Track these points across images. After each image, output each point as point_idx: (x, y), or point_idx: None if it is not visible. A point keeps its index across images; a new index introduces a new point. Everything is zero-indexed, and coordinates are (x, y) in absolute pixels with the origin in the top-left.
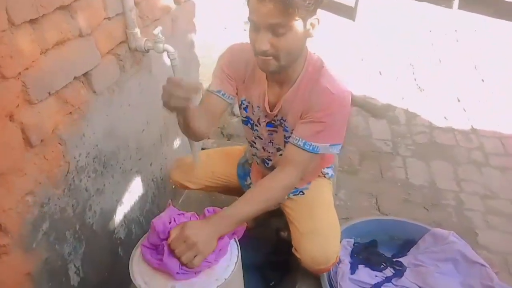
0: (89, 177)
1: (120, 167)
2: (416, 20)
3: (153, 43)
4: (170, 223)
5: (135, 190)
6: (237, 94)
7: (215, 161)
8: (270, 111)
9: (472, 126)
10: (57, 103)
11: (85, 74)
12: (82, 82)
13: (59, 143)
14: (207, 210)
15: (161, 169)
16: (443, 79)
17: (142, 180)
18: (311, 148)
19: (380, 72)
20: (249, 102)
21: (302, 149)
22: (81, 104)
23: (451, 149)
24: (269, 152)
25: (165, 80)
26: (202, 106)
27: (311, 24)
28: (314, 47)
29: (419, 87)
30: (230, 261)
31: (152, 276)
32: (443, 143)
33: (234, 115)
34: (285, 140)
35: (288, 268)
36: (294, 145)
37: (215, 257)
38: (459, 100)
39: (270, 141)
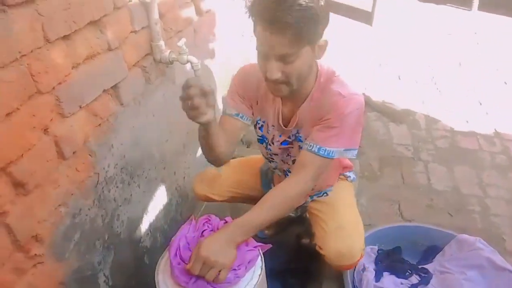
0: (117, 187)
1: (146, 177)
2: (435, 23)
3: (178, 54)
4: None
5: (159, 199)
6: (253, 114)
7: (238, 171)
8: (285, 127)
9: (495, 129)
10: (87, 116)
11: (113, 87)
12: (110, 95)
13: (90, 155)
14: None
15: (184, 177)
16: (463, 83)
17: (167, 189)
18: (325, 153)
19: (399, 76)
20: (264, 122)
21: (316, 154)
22: (110, 116)
23: (474, 153)
24: (288, 164)
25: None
26: (227, 131)
27: (319, 47)
28: (332, 52)
29: (439, 91)
30: (254, 273)
31: (176, 285)
32: (466, 148)
33: (243, 143)
34: (299, 150)
35: (310, 276)
36: (308, 151)
37: (245, 269)
38: (480, 104)
39: (288, 155)
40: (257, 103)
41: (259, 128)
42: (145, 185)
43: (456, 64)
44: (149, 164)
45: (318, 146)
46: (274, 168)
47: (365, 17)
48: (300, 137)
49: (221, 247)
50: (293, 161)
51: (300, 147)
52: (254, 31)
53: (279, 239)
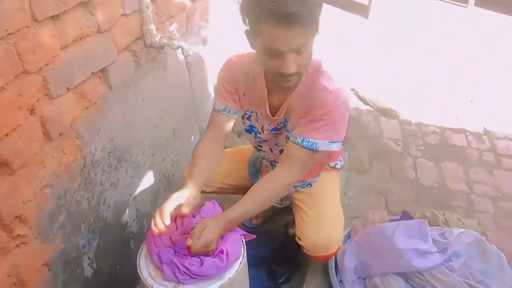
0: (104, 171)
1: (134, 162)
2: (431, 19)
3: (169, 39)
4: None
5: (147, 185)
6: (241, 106)
7: (227, 162)
8: (273, 116)
9: (484, 127)
10: (75, 98)
11: (102, 70)
12: (99, 78)
13: (76, 137)
14: (207, 204)
15: (172, 165)
16: (457, 79)
17: (155, 176)
18: (309, 144)
19: (392, 71)
20: (252, 112)
21: (300, 145)
22: (98, 99)
23: (462, 150)
24: (275, 155)
25: (180, 76)
26: (214, 127)
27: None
28: (327, 45)
29: (432, 87)
30: (236, 261)
31: (158, 271)
32: (455, 144)
33: (234, 132)
34: (287, 140)
35: (297, 265)
36: (294, 142)
37: (228, 262)
38: (472, 101)
39: (276, 144)
40: (244, 95)
41: (247, 118)
42: (133, 170)
43: (450, 60)
44: (137, 150)
45: (302, 138)
46: (263, 158)
47: (361, 10)
48: (288, 128)
49: (220, 234)
50: (280, 151)
51: (287, 137)
52: (255, 32)
53: (267, 228)
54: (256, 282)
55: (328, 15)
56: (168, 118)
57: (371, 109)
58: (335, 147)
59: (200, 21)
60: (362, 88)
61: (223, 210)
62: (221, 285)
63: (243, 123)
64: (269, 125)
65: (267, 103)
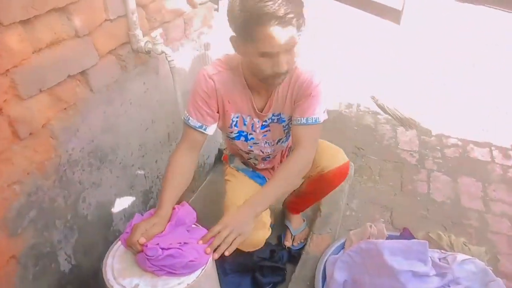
0: (83, 170)
1: (120, 163)
2: (469, 25)
3: (153, 44)
4: None
5: (137, 185)
6: (219, 118)
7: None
8: (261, 113)
9: None
10: (49, 99)
11: (82, 73)
12: (79, 80)
13: (51, 137)
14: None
15: None
16: (488, 91)
17: (146, 177)
18: (312, 120)
19: (417, 79)
20: (238, 117)
21: (306, 125)
22: (77, 101)
23: (484, 165)
24: (267, 152)
25: (174, 81)
26: (188, 142)
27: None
28: (353, 50)
29: (459, 97)
30: (199, 268)
31: (122, 271)
32: (476, 159)
33: None
34: (284, 130)
35: (283, 277)
36: (299, 125)
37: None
38: (504, 113)
39: (266, 142)
40: (229, 102)
41: (234, 125)
42: (119, 171)
43: (482, 70)
44: (124, 151)
45: (305, 118)
46: (254, 160)
47: (393, 15)
48: (284, 119)
49: (246, 218)
50: (277, 142)
51: (283, 127)
52: (246, 36)
53: None
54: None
55: (360, 20)
56: (161, 122)
57: (390, 118)
58: (326, 114)
59: (202, 27)
60: (383, 96)
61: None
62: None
63: (230, 132)
64: (258, 122)
65: (253, 102)
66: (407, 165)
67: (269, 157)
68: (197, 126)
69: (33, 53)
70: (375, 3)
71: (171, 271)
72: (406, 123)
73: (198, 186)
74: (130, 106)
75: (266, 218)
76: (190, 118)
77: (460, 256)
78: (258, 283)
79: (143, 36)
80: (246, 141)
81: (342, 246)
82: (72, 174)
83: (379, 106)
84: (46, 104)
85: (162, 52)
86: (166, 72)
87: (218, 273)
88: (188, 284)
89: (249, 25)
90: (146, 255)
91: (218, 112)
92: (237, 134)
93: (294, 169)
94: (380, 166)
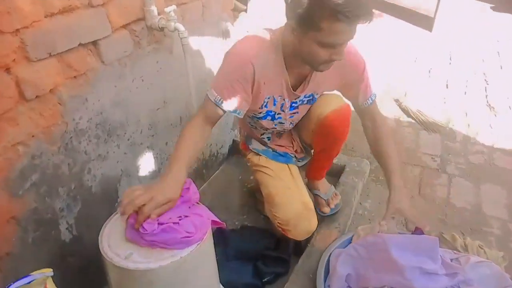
0: (89, 141)
1: (129, 139)
2: (504, 35)
3: (166, 21)
4: None
5: (145, 164)
6: (257, 98)
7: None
8: (294, 93)
9: None
10: (59, 65)
11: (94, 43)
12: (90, 50)
13: (59, 103)
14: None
15: None
16: None
17: (155, 157)
18: (374, 98)
19: (446, 85)
20: (269, 98)
21: (372, 104)
22: (87, 70)
23: (511, 174)
24: (285, 128)
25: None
26: (209, 118)
27: None
28: (385, 55)
29: (489, 104)
30: (195, 242)
31: (118, 241)
32: (503, 167)
33: None
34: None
35: (286, 268)
36: (368, 106)
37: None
38: None
39: (291, 123)
40: (264, 83)
41: (264, 106)
42: (127, 147)
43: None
44: (133, 128)
45: (369, 98)
46: (269, 134)
47: (426, 22)
48: (315, 99)
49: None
50: (292, 126)
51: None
52: (311, 26)
53: (265, 224)
54: (239, 275)
55: (392, 27)
56: (173, 103)
57: (413, 122)
58: None
59: (221, 13)
60: (408, 99)
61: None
62: (171, 262)
63: (259, 113)
64: (288, 102)
65: (288, 83)
66: (427, 169)
67: (284, 131)
68: (232, 111)
69: (45, 17)
70: (408, 10)
71: (165, 247)
72: (430, 127)
73: (210, 175)
74: (142, 83)
75: (311, 205)
76: (224, 102)
77: (474, 258)
78: (260, 272)
79: (158, 14)
80: (272, 120)
81: (349, 241)
82: (78, 143)
83: (402, 109)
84: (55, 69)
85: (175, 29)
86: (181, 54)
87: (220, 259)
88: (181, 257)
89: (316, 15)
90: (143, 228)
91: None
92: (265, 114)
93: (392, 141)
94: None
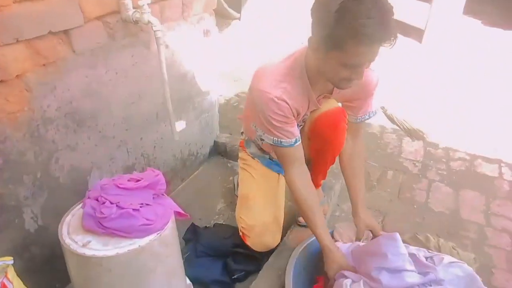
0: (58, 130)
1: (100, 131)
2: (493, 48)
3: (140, 14)
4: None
5: (118, 158)
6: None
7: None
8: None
9: None
10: (27, 51)
11: (65, 32)
12: (61, 39)
13: (26, 90)
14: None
15: (154, 147)
16: (503, 108)
17: (129, 152)
18: (371, 114)
19: (432, 94)
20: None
21: (368, 119)
22: (58, 59)
23: (491, 180)
24: None
25: (167, 61)
26: (294, 161)
27: None
28: (376, 64)
29: (474, 115)
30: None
31: (77, 229)
32: (483, 173)
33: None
34: None
35: (256, 266)
36: (361, 122)
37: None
38: None
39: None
40: (298, 115)
41: None
42: (98, 139)
43: (501, 88)
44: (105, 120)
45: (368, 114)
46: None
47: (416, 34)
48: None
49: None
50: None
51: None
52: (335, 45)
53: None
54: (208, 271)
55: None
56: (148, 98)
57: (398, 128)
58: None
59: (202, 13)
60: (394, 107)
61: (166, 181)
62: (129, 250)
63: None
64: (309, 113)
65: (314, 98)
66: (408, 173)
67: None
68: (293, 143)
69: (14, 2)
70: (400, 23)
71: (124, 235)
72: (414, 134)
73: (189, 175)
74: (116, 76)
75: (281, 221)
76: (282, 140)
77: (448, 258)
78: (229, 269)
79: (133, 8)
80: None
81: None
82: (45, 132)
83: (387, 116)
84: (22, 55)
85: (149, 22)
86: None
87: (190, 255)
88: (140, 246)
89: (342, 37)
90: (101, 212)
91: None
92: None
93: (363, 162)
94: (379, 173)
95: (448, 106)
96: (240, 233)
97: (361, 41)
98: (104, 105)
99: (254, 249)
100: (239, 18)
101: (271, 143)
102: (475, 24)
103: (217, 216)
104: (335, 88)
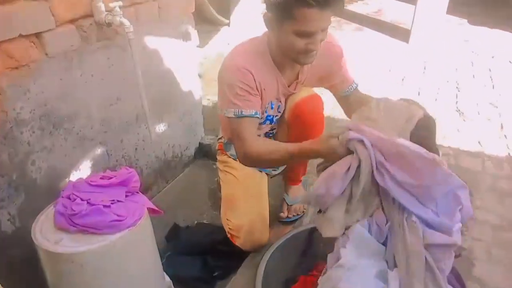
0: (33, 132)
1: (78, 133)
2: (478, 46)
3: (112, 16)
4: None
5: (99, 161)
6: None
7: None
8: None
9: (509, 154)
10: None
11: (37, 36)
12: (33, 42)
13: None
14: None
15: (136, 149)
16: (489, 106)
17: (109, 154)
18: (356, 86)
19: (418, 92)
20: (268, 104)
21: (357, 89)
22: (30, 62)
23: (474, 175)
24: (274, 127)
25: (145, 63)
26: (254, 129)
27: None
28: (363, 65)
29: (459, 110)
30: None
31: (51, 228)
32: (467, 168)
33: None
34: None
35: (236, 263)
36: (352, 92)
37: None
38: (502, 127)
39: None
40: (264, 90)
41: (265, 111)
42: (76, 141)
43: (484, 84)
44: (83, 122)
45: (353, 84)
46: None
47: (403, 34)
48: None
49: None
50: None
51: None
52: (285, 15)
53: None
54: (187, 269)
55: (371, 39)
56: (128, 101)
57: None
58: None
59: (181, 16)
60: None
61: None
62: (99, 246)
63: (260, 118)
64: (283, 101)
65: (283, 81)
66: None
67: (272, 132)
68: (253, 114)
69: None
70: (387, 24)
71: (95, 231)
72: None
73: (173, 176)
74: (92, 78)
75: (267, 219)
76: (243, 110)
77: None
78: (209, 266)
79: (106, 11)
80: (271, 123)
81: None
82: (20, 134)
83: None
84: None
85: (121, 23)
86: (137, 52)
87: (171, 253)
88: (111, 241)
89: (289, 4)
90: (72, 209)
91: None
92: (265, 119)
93: None
94: None
95: (431, 103)
96: (228, 235)
97: (306, 5)
98: (81, 107)
99: (244, 249)
100: (228, 24)
101: (232, 115)
102: (462, 23)
103: (200, 216)
104: (306, 67)
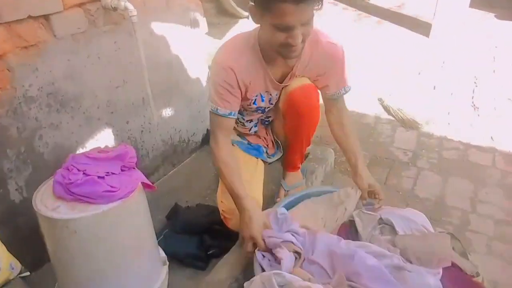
0: (40, 109)
1: (84, 112)
2: (499, 38)
3: (118, 0)
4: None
5: (105, 140)
6: (247, 98)
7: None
8: (280, 84)
9: None
10: (7, 34)
11: (46, 17)
12: (42, 24)
13: (7, 69)
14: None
15: (142, 131)
16: (506, 100)
17: (115, 134)
18: (345, 90)
19: (434, 86)
20: (257, 96)
21: (344, 95)
22: (38, 42)
23: (483, 169)
24: (269, 115)
25: (152, 48)
26: (221, 129)
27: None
28: (379, 57)
29: (474, 104)
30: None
31: (50, 197)
32: (476, 162)
33: None
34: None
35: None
36: (339, 97)
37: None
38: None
39: (274, 106)
40: (250, 84)
41: (253, 103)
42: (82, 120)
43: (503, 81)
44: (89, 102)
45: (343, 89)
46: (250, 128)
47: (424, 28)
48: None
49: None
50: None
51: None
52: (264, 8)
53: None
54: (184, 246)
55: (391, 33)
56: (134, 84)
57: (393, 119)
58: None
59: (189, 4)
60: (392, 99)
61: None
62: (93, 214)
63: (249, 109)
64: (276, 94)
65: (271, 77)
66: (397, 162)
67: (267, 120)
68: (227, 114)
69: None
70: (407, 17)
71: (89, 201)
72: (408, 124)
73: (180, 161)
74: (98, 60)
75: (261, 203)
76: (219, 108)
77: None
78: (205, 244)
79: None
80: (263, 113)
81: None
82: (28, 110)
83: (384, 107)
84: (2, 37)
85: (125, 8)
86: (145, 37)
87: (170, 231)
88: (103, 211)
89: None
90: (68, 178)
91: (241, 96)
92: (255, 109)
93: (353, 124)
94: (369, 161)
95: (446, 97)
96: (222, 217)
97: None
98: (87, 88)
99: (236, 230)
100: (247, 17)
101: (210, 109)
102: (488, 18)
103: (202, 199)
104: (302, 63)
